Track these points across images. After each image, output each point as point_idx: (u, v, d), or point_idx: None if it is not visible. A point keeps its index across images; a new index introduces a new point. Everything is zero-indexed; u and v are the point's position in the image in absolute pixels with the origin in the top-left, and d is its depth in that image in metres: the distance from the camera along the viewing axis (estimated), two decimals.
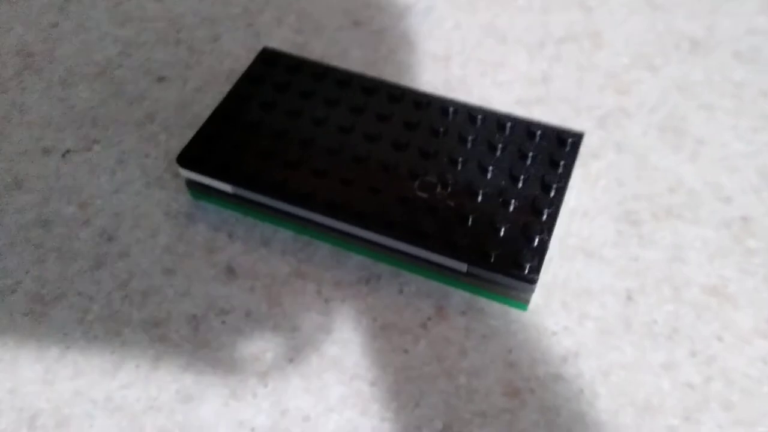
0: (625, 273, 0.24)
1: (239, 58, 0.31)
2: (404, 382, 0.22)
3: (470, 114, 0.26)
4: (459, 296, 0.24)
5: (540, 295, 0.24)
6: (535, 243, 0.22)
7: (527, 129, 0.25)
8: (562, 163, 0.24)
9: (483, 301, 0.24)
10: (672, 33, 0.32)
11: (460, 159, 0.24)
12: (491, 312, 0.24)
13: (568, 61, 0.31)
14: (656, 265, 0.25)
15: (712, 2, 0.33)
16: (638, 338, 0.23)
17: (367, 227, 0.23)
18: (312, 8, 0.33)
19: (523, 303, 0.23)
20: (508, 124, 0.25)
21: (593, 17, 0.33)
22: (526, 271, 0.22)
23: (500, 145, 0.25)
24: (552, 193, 0.23)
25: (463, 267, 0.23)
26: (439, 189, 0.24)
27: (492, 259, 0.22)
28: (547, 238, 0.22)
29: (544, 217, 0.23)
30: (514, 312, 0.24)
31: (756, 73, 0.30)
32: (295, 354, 0.23)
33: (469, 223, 0.23)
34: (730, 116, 0.29)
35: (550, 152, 0.25)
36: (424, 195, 0.24)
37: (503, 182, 0.24)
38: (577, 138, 0.25)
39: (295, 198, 0.24)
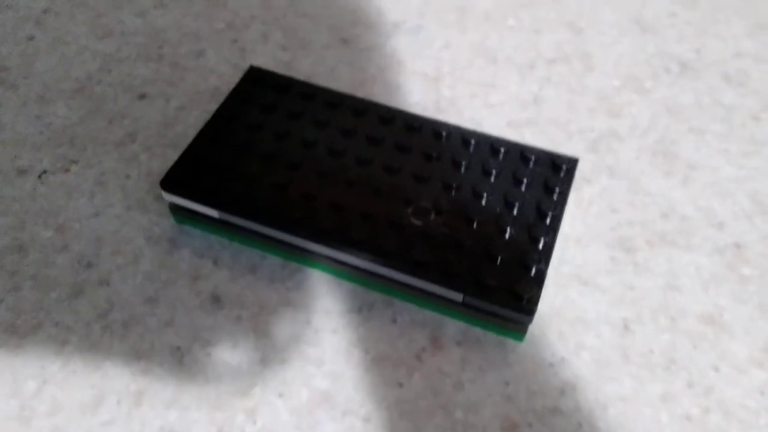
0: (620, 302, 0.24)
1: (224, 75, 0.30)
2: (399, 418, 0.21)
3: (463, 138, 0.25)
4: (454, 326, 0.23)
5: (535, 324, 0.23)
6: (533, 272, 0.22)
7: (521, 154, 0.25)
8: (557, 189, 0.24)
9: (479, 332, 0.23)
10: (661, 55, 0.32)
11: (454, 184, 0.24)
12: (487, 342, 0.23)
13: (559, 83, 0.31)
14: (651, 294, 0.24)
15: (701, 25, 0.33)
16: (636, 369, 0.23)
17: (358, 255, 0.22)
18: (298, 25, 0.33)
19: (519, 333, 0.23)
20: (502, 149, 0.25)
21: (583, 38, 0.32)
22: (524, 302, 0.21)
23: (494, 171, 0.24)
24: (548, 221, 0.23)
25: (458, 297, 0.22)
26: (433, 215, 0.23)
27: (489, 290, 0.22)
28: (544, 267, 0.22)
29: (541, 245, 0.22)
30: (511, 342, 0.23)
31: (745, 97, 0.30)
32: (284, 388, 0.22)
33: (465, 251, 0.22)
34: (720, 140, 0.29)
35: (545, 178, 0.24)
36: (418, 221, 0.23)
37: (498, 209, 0.23)
38: (572, 164, 0.25)
39: (283, 223, 0.23)
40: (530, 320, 0.22)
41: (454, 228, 0.23)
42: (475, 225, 0.23)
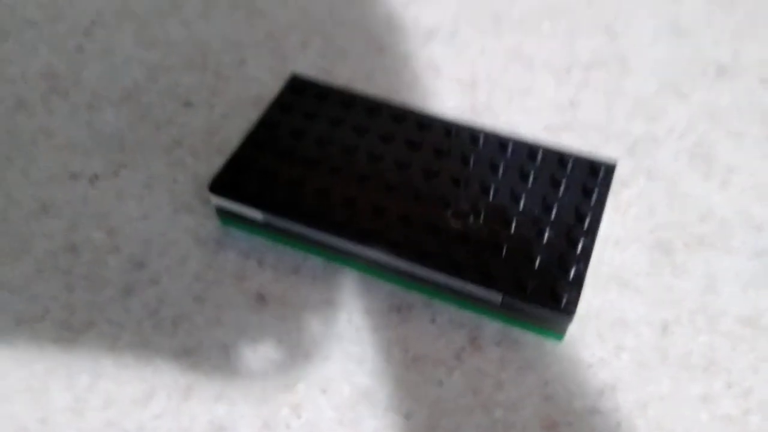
0: (659, 303, 0.24)
1: (265, 83, 0.31)
2: (439, 416, 0.22)
3: (500, 142, 0.26)
4: (493, 327, 0.24)
5: (574, 325, 0.24)
6: (572, 274, 0.22)
7: (559, 158, 0.25)
8: (595, 192, 0.24)
9: (517, 332, 0.24)
10: (698, 58, 0.32)
11: (492, 187, 0.24)
12: (526, 343, 0.23)
13: (596, 87, 0.31)
14: (690, 296, 0.24)
15: (737, 28, 0.33)
16: (675, 370, 0.23)
17: (398, 256, 0.23)
18: (336, 33, 0.34)
19: (559, 334, 0.23)
20: (540, 153, 0.25)
21: (619, 42, 0.33)
22: (564, 303, 0.22)
23: (532, 174, 0.25)
24: (587, 224, 0.23)
25: (498, 298, 0.22)
26: (471, 218, 0.24)
27: (528, 291, 0.22)
28: (583, 268, 0.22)
29: (580, 247, 0.23)
30: (549, 343, 0.23)
31: None
32: (327, 384, 0.23)
33: (504, 253, 0.23)
34: (759, 143, 0.29)
35: (583, 182, 0.25)
36: (457, 224, 0.23)
37: (536, 212, 0.24)
38: (610, 167, 0.25)
39: (326, 226, 0.24)
40: (570, 321, 0.22)
41: (492, 230, 0.23)
42: (513, 228, 0.23)
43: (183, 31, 0.34)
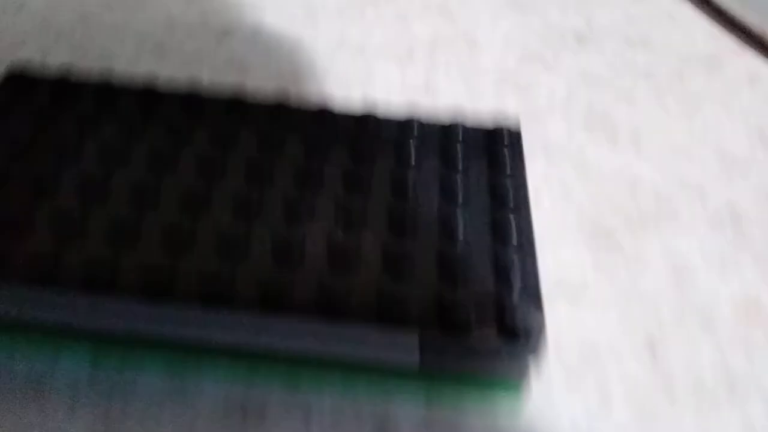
0: (629, 312, 0.16)
1: None
2: None
3: (358, 122, 0.17)
4: (410, 408, 0.14)
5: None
6: (518, 282, 0.14)
7: (442, 131, 0.17)
8: (507, 164, 0.16)
9: (448, 406, 0.14)
10: (551, 29, 0.26)
11: (360, 181, 0.15)
12: (466, 421, 0.14)
13: (449, 68, 0.24)
14: (663, 294, 0.17)
15: None
16: (693, 406, 0.15)
17: (223, 319, 0.13)
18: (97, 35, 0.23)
19: (514, 387, 0.14)
20: (415, 128, 0.17)
21: (459, 22, 0.26)
22: (520, 329, 0.13)
23: (413, 156, 0.16)
24: (511, 203, 0.15)
25: (411, 348, 0.13)
26: (339, 233, 0.14)
27: (457, 327, 0.13)
28: (531, 268, 0.14)
29: (514, 238, 0.14)
30: (502, 410, 0.14)
31: (657, 55, 0.25)
32: None
33: (404, 273, 0.14)
34: (652, 101, 0.23)
35: (487, 154, 0.16)
36: (317, 244, 0.14)
37: (436, 205, 0.15)
38: (515, 132, 0.17)
39: (80, 286, 0.13)
40: (534, 358, 0.13)
41: (376, 243, 0.14)
42: (406, 232, 0.14)
43: None
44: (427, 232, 0.14)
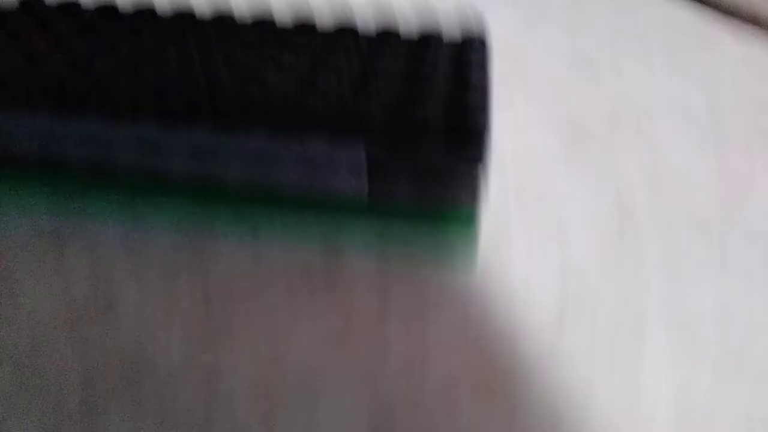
0: (603, 175, 0.16)
1: None
2: None
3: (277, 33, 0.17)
4: (357, 237, 0.13)
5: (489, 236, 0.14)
6: (470, 106, 0.13)
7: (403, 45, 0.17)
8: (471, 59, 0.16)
9: (398, 243, 0.13)
10: None
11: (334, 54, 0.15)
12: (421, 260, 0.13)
13: None
14: (637, 162, 0.16)
15: None
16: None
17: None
18: None
19: (469, 216, 0.13)
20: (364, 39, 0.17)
21: None
22: (469, 145, 0.12)
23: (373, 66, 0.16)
24: (473, 82, 0.15)
25: (361, 178, 0.13)
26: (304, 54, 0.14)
27: (407, 143, 0.12)
28: (483, 102, 0.13)
29: (472, 89, 0.14)
30: (457, 259, 0.13)
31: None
32: None
33: (359, 85, 0.13)
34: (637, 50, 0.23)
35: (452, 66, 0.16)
36: (274, 71, 0.14)
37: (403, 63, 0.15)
38: (479, 41, 0.17)
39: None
40: (484, 178, 0.13)
41: (335, 68, 0.14)
42: (368, 60, 0.14)
43: None
44: (392, 64, 0.14)
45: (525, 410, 0.11)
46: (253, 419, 0.11)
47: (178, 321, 0.12)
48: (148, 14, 0.16)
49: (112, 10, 0.17)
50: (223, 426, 0.11)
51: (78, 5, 0.17)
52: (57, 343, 0.12)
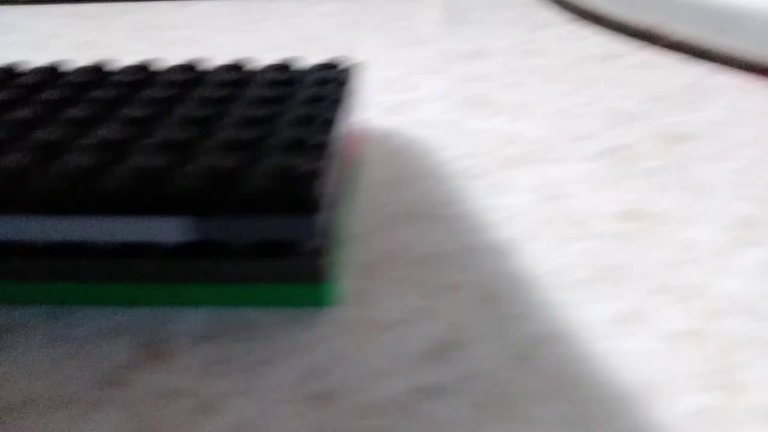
0: (485, 225, 0.14)
1: None
2: None
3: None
4: (188, 321, 0.12)
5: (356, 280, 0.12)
6: (308, 158, 0.12)
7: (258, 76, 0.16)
8: (331, 95, 0.15)
9: (237, 310, 0.12)
10: (448, 53, 0.26)
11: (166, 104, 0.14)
12: (262, 324, 0.11)
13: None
14: (531, 208, 0.15)
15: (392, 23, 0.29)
16: (566, 290, 0.12)
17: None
18: None
19: (317, 284, 0.11)
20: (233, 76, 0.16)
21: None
22: (303, 193, 0.11)
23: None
24: (321, 119, 0.13)
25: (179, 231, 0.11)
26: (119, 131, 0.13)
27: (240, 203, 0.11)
28: (323, 145, 0.12)
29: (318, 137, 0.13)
30: (307, 313, 0.12)
31: (551, 59, 0.25)
32: None
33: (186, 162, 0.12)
34: (541, 86, 0.22)
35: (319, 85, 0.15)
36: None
37: (244, 111, 0.14)
38: (344, 73, 0.16)
39: None
40: (318, 226, 0.11)
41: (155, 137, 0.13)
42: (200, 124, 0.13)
43: None
44: (225, 124, 0.13)
45: None
46: None
47: None
48: None
49: None
50: None
51: None
52: None
